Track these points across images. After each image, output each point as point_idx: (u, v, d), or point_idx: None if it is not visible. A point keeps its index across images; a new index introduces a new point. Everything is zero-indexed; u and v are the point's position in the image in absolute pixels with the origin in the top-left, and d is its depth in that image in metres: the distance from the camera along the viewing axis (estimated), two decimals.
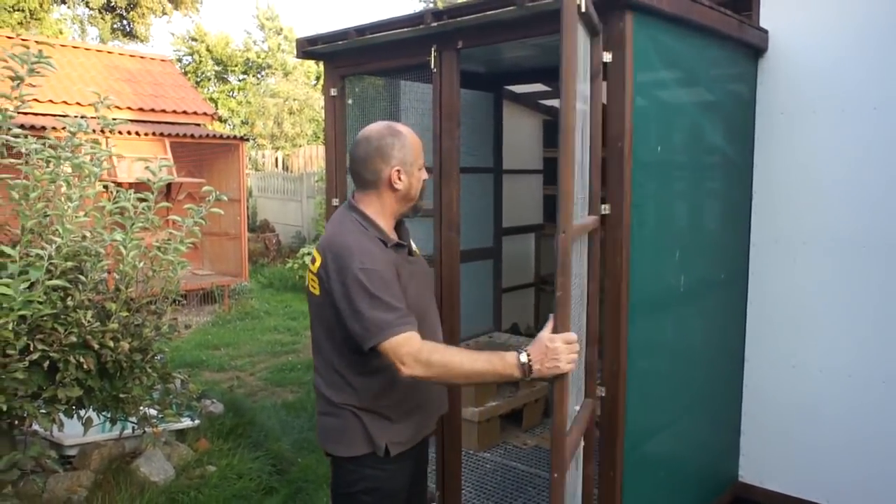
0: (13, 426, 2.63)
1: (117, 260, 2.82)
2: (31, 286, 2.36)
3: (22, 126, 3.17)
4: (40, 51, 2.86)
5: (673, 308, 2.79)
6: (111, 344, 2.58)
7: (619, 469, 2.46)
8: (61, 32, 18.75)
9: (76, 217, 2.74)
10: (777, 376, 3.25)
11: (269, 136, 18.93)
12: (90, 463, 3.61)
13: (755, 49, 3.13)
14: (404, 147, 1.95)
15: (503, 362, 1.76)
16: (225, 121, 21.75)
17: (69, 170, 2.84)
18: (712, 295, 3.10)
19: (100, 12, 20.16)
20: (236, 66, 23.04)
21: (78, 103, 8.31)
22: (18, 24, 16.49)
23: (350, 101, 3.26)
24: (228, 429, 4.28)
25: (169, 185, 8.60)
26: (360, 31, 2.94)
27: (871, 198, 2.94)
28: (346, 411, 1.99)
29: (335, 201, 3.23)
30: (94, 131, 3.04)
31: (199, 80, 22.55)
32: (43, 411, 2.52)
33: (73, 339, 2.47)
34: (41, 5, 17.35)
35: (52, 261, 2.46)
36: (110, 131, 3.04)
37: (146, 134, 8.23)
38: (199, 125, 9.67)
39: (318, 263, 1.94)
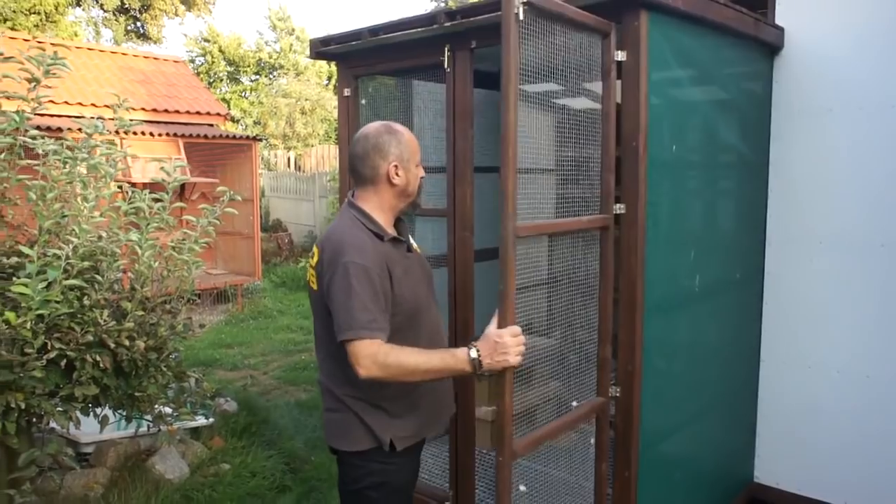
0: (31, 424, 2.66)
1: (133, 259, 2.84)
2: (48, 286, 2.38)
3: (38, 127, 3.20)
4: (55, 52, 2.88)
5: (688, 308, 2.77)
6: (127, 343, 2.59)
7: (634, 469, 2.45)
8: (76, 35, 18.92)
9: (92, 217, 2.76)
10: (793, 377, 3.22)
11: (281, 137, 19.01)
12: (106, 460, 3.64)
13: (771, 47, 3.10)
14: (401, 144, 2.01)
15: (455, 359, 1.86)
16: (237, 121, 21.86)
17: (84, 170, 2.86)
18: (727, 295, 3.08)
19: (114, 14, 20.34)
20: (248, 66, 23.15)
21: (93, 104, 8.39)
22: (35, 26, 16.66)
23: (363, 102, 3.26)
24: (242, 427, 4.30)
25: (183, 186, 8.66)
26: (374, 31, 2.95)
27: (889, 196, 2.91)
28: (349, 406, 2.02)
29: None
30: (108, 132, 3.07)
31: (211, 80, 22.68)
32: (60, 409, 2.54)
33: (90, 337, 2.50)
34: (56, 8, 17.53)
35: (69, 260, 2.48)
36: (125, 132, 3.06)
37: (160, 134, 8.29)
38: (212, 125, 9.72)
39: (316, 258, 2.01)
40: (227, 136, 9.26)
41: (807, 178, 3.13)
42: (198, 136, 8.68)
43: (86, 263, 2.58)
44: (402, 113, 3.39)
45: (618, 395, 2.43)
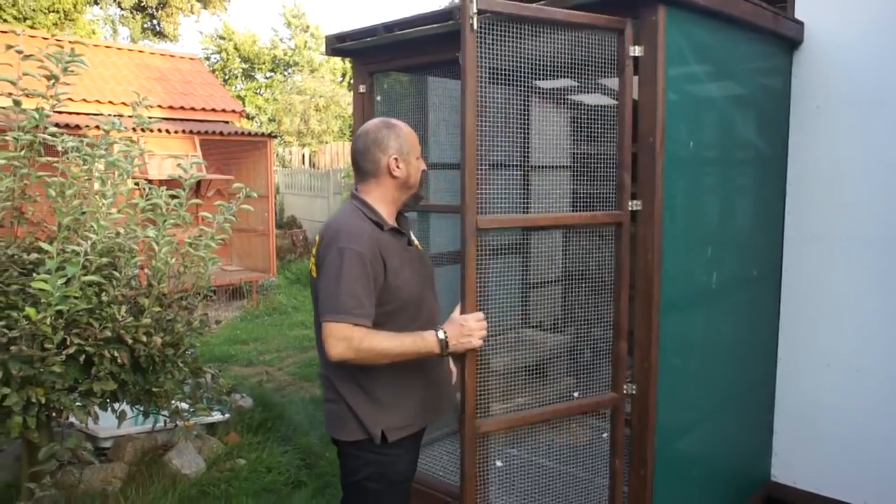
0: (51, 418, 2.69)
1: (150, 256, 2.86)
2: (67, 282, 2.41)
3: (57, 125, 3.24)
4: (73, 49, 2.91)
5: (704, 305, 2.75)
6: (144, 339, 2.62)
7: (650, 467, 2.43)
8: (94, 33, 19.10)
9: (110, 214, 2.79)
10: (812, 375, 3.19)
11: (295, 133, 19.08)
12: (124, 455, 3.68)
13: (790, 41, 3.06)
14: (399, 137, 2.08)
15: (424, 341, 1.98)
16: (252, 118, 21.97)
17: (102, 167, 2.89)
18: (745, 292, 3.05)
19: (131, 12, 20.50)
20: (263, 63, 23.24)
21: (110, 101, 8.46)
22: (53, 24, 16.83)
23: (378, 98, 3.26)
24: (258, 423, 4.33)
25: (198, 182, 8.71)
26: (389, 27, 2.94)
27: None
28: (344, 396, 2.07)
29: None
30: (126, 129, 3.09)
31: (226, 77, 22.80)
32: (79, 404, 2.57)
33: (108, 333, 2.52)
34: (75, 6, 17.69)
35: (88, 257, 2.50)
36: (142, 129, 3.09)
37: (176, 131, 8.35)
38: (227, 122, 9.77)
39: (316, 246, 2.08)
40: (243, 133, 9.30)
41: (826, 173, 3.09)
42: (213, 132, 8.73)
43: (104, 260, 2.60)
44: (417, 109, 3.38)
45: (634, 392, 2.41)
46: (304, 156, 17.72)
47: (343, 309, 1.92)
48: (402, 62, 3.13)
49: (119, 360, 2.54)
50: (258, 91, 23.34)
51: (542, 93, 4.97)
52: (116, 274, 2.65)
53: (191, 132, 8.51)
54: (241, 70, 23.32)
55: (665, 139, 2.31)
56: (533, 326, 4.93)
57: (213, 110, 9.67)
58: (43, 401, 2.43)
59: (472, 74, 2.08)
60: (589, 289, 2.70)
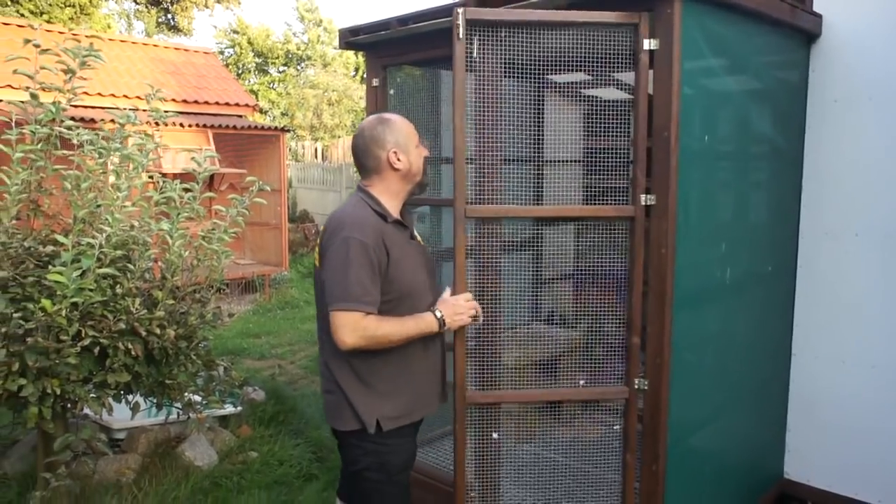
0: (66, 409, 2.71)
1: (163, 249, 2.88)
2: (82, 274, 2.43)
3: (73, 118, 3.26)
4: (91, 44, 2.92)
5: (718, 300, 2.73)
6: (158, 331, 2.64)
7: (662, 463, 2.42)
8: (109, 27, 19.22)
9: (124, 207, 2.80)
10: (826, 372, 3.16)
11: (308, 128, 19.12)
12: (137, 446, 3.71)
13: (808, 34, 3.02)
14: (395, 131, 2.14)
15: (425, 322, 2.12)
16: (265, 112, 22.04)
17: (117, 160, 2.90)
18: (759, 288, 3.02)
19: (146, 7, 20.61)
20: (276, 57, 23.30)
21: (125, 96, 8.51)
22: (69, 19, 16.95)
23: (391, 92, 3.26)
24: (270, 416, 4.35)
25: (212, 176, 8.76)
26: (403, 21, 2.93)
27: None
28: (341, 385, 2.11)
29: None
30: (141, 122, 3.11)
31: (240, 72, 22.88)
32: (93, 395, 2.60)
33: (122, 325, 2.54)
34: (91, 1, 17.80)
35: (103, 249, 2.52)
36: (156, 123, 3.10)
37: (190, 125, 8.39)
38: (241, 116, 9.81)
39: (321, 237, 2.12)
40: (256, 127, 9.33)
41: (843, 168, 3.05)
42: (227, 126, 8.76)
43: (118, 252, 2.62)
44: (429, 103, 3.38)
45: (646, 387, 2.40)
46: (316, 150, 17.76)
47: (352, 297, 1.96)
48: (415, 56, 3.12)
49: (133, 353, 2.56)
50: (271, 85, 23.42)
51: (555, 87, 4.94)
52: (130, 266, 2.67)
53: (204, 126, 8.55)
54: (254, 64, 23.40)
55: (680, 133, 2.29)
56: (545, 321, 4.92)
57: (227, 104, 9.71)
58: (58, 392, 2.46)
59: (461, 76, 2.32)
60: (602, 284, 2.69)
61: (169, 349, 2.73)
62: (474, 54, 2.75)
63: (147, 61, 9.67)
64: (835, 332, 3.13)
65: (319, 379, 2.26)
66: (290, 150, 16.85)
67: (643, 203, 2.33)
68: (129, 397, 2.82)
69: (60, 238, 2.48)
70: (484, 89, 2.56)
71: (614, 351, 2.58)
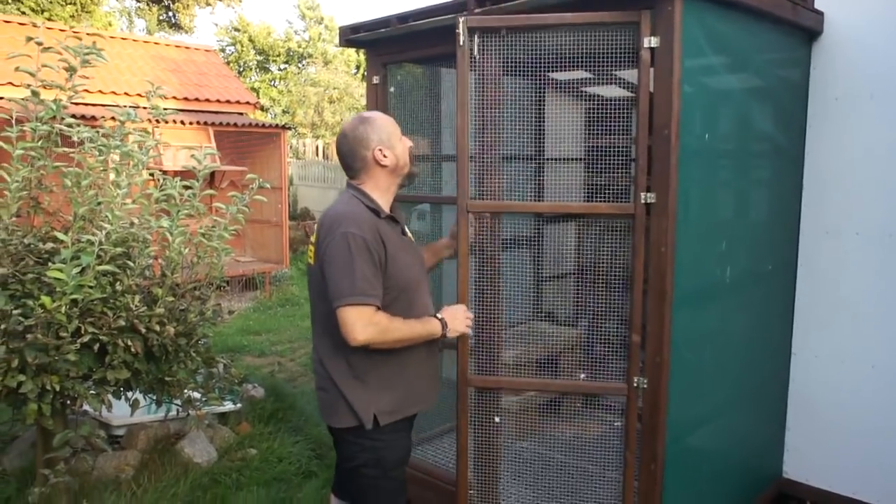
0: (65, 406, 2.72)
1: (163, 246, 2.88)
2: (82, 271, 2.43)
3: (74, 116, 3.26)
4: (94, 42, 2.92)
5: (718, 299, 2.73)
6: (157, 328, 2.64)
7: (660, 462, 2.42)
8: (110, 24, 19.21)
9: (125, 204, 2.80)
10: (826, 371, 3.15)
11: (309, 125, 19.11)
12: (137, 443, 3.72)
13: (809, 32, 3.02)
14: (377, 128, 2.16)
15: (431, 325, 2.17)
16: (266, 110, 22.03)
17: (118, 157, 2.91)
18: (759, 287, 3.02)
19: (147, 4, 20.60)
20: (278, 55, 23.29)
21: (126, 93, 8.51)
22: (70, 16, 16.94)
23: (392, 89, 3.25)
24: (269, 413, 4.35)
25: (212, 173, 8.75)
26: (403, 18, 2.93)
27: None
28: (336, 383, 2.12)
29: None
30: (141, 120, 3.11)
31: (241, 69, 22.87)
32: (93, 392, 2.60)
33: (122, 322, 2.54)
34: None
35: (102, 246, 2.52)
36: (157, 121, 3.10)
37: (191, 123, 8.39)
38: (241, 114, 9.80)
39: (315, 235, 2.13)
40: (257, 125, 9.33)
41: (844, 167, 3.05)
42: (227, 124, 8.76)
43: (118, 249, 2.62)
44: (430, 100, 3.37)
45: (645, 386, 2.40)
46: (317, 147, 17.76)
47: (360, 291, 1.97)
48: (415, 53, 3.11)
49: (133, 349, 2.56)
50: (272, 83, 23.40)
51: (556, 85, 4.93)
52: (130, 264, 2.67)
53: (205, 123, 8.55)
54: (255, 62, 23.38)
55: (680, 131, 2.29)
56: (546, 319, 4.91)
57: (228, 102, 9.71)
58: (57, 388, 2.46)
59: (465, 81, 2.45)
60: (602, 282, 2.69)
61: (168, 346, 2.73)
62: (475, 53, 2.75)
63: (148, 59, 9.67)
64: (835, 332, 3.12)
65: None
66: (290, 147, 16.85)
67: (643, 201, 2.33)
68: (129, 394, 2.83)
69: (60, 235, 2.48)
70: (485, 88, 2.57)
71: (614, 349, 2.59)
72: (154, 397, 2.95)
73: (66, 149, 2.88)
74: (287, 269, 9.62)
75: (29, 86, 2.83)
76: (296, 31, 23.97)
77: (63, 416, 2.78)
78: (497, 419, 2.66)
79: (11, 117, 2.81)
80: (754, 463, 3.20)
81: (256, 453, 3.82)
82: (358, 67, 22.71)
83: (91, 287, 2.45)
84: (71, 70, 2.86)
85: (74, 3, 17.27)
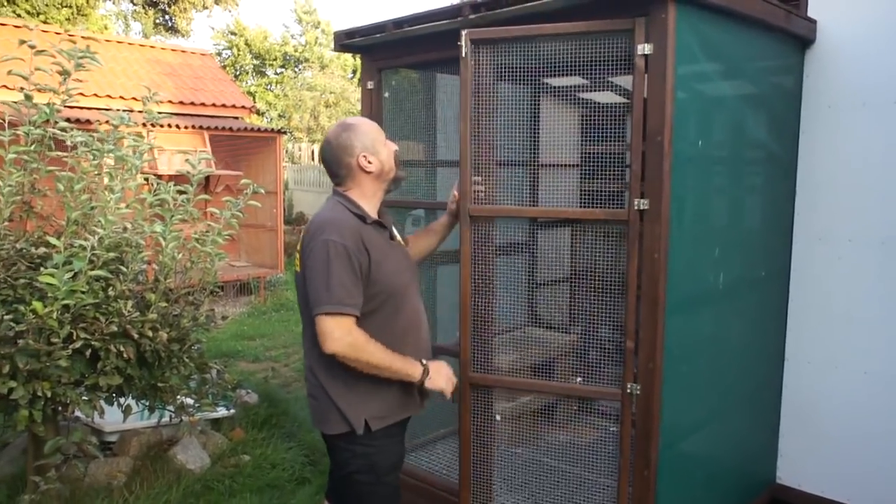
0: (57, 412, 2.70)
1: (157, 251, 2.87)
2: (74, 276, 2.42)
3: (68, 119, 3.25)
4: (88, 46, 2.91)
5: (711, 305, 2.73)
6: (150, 334, 2.63)
7: (653, 468, 2.42)
8: (106, 28, 19.18)
9: (118, 209, 2.80)
10: (819, 378, 3.16)
11: (305, 129, 19.11)
12: (129, 449, 3.70)
13: (802, 40, 3.03)
14: (360, 134, 2.16)
15: (412, 367, 2.13)
16: (262, 114, 22.02)
17: (111, 162, 2.90)
18: (752, 293, 3.02)
19: (143, 7, 20.58)
20: (274, 59, 23.28)
21: (121, 97, 8.49)
22: (66, 20, 16.92)
23: (387, 94, 3.26)
24: (263, 419, 4.33)
25: (207, 178, 8.74)
26: (398, 23, 2.93)
27: None
28: (326, 389, 2.11)
29: None
30: (136, 124, 3.10)
31: (237, 73, 22.86)
32: (85, 398, 2.59)
33: (114, 328, 2.53)
34: (87, 1, 17.77)
35: (95, 251, 2.51)
36: (152, 125, 3.10)
37: (186, 127, 8.37)
38: (237, 118, 9.79)
39: (301, 242, 2.13)
40: (252, 129, 9.32)
41: (837, 174, 3.06)
42: (223, 128, 8.75)
43: (111, 254, 2.61)
44: (425, 106, 3.38)
45: (638, 392, 2.40)
46: (313, 152, 17.74)
47: (336, 299, 1.96)
48: (411, 59, 3.12)
49: (125, 355, 2.55)
50: (268, 87, 23.39)
51: (551, 91, 4.94)
52: (123, 269, 2.66)
53: (200, 128, 8.53)
54: (251, 66, 23.37)
55: (673, 138, 2.29)
56: (540, 325, 4.91)
57: (224, 106, 9.69)
58: (49, 394, 2.45)
59: (467, 92, 2.51)
60: (596, 288, 2.69)
61: (161, 352, 2.72)
62: (471, 59, 2.76)
63: (143, 62, 9.66)
64: (827, 338, 3.13)
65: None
66: (286, 152, 16.84)
67: (637, 207, 2.33)
68: (121, 400, 2.82)
69: (52, 240, 2.47)
70: (480, 94, 2.58)
71: (609, 354, 2.59)
72: (146, 403, 2.94)
73: (59, 153, 2.87)
74: (282, 273, 9.61)
75: (22, 89, 2.83)
76: (292, 35, 23.99)
77: (54, 423, 2.77)
78: (498, 417, 2.73)
79: (4, 121, 2.80)
80: (747, 468, 3.21)
81: (250, 459, 3.80)
82: (354, 72, 22.72)
83: (83, 292, 2.44)
84: (65, 73, 2.86)
85: (70, 7, 17.25)
